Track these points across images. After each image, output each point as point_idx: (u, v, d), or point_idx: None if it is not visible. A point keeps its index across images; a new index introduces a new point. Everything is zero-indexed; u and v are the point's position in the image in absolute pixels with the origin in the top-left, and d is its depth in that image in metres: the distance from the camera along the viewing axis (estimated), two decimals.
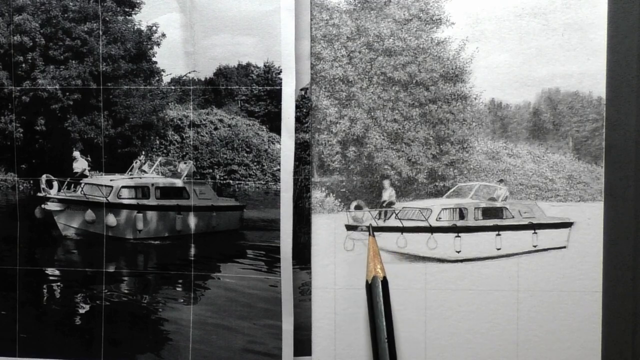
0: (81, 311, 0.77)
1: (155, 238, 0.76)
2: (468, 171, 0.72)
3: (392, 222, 0.73)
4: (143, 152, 0.76)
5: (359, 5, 0.72)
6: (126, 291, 0.76)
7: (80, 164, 0.77)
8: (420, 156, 0.73)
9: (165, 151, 0.76)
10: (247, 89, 0.74)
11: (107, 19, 0.75)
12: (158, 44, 0.74)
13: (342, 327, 0.73)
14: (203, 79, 0.74)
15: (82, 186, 0.77)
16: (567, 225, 0.71)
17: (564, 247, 0.71)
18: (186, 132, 0.75)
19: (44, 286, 0.77)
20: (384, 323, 0.63)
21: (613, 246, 0.70)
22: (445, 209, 0.72)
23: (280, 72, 0.72)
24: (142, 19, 0.74)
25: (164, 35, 0.74)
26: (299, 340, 0.73)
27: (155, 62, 0.75)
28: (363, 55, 0.72)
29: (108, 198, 0.76)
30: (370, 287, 0.65)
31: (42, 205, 0.77)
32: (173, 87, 0.74)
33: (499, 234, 0.72)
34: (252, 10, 0.71)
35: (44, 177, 0.77)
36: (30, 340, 0.77)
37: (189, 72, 0.74)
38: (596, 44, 0.69)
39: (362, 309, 0.72)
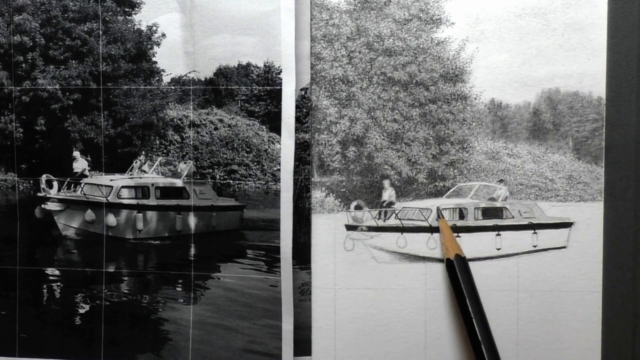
0: (81, 311, 0.77)
1: (155, 238, 0.76)
2: (468, 171, 0.72)
3: (392, 222, 0.73)
4: (143, 152, 0.76)
5: (359, 5, 0.72)
6: (126, 291, 0.76)
7: (80, 164, 0.77)
8: (420, 156, 0.73)
9: (165, 151, 0.76)
10: (247, 89, 0.74)
11: (107, 19, 0.75)
12: (158, 44, 0.74)
13: (342, 327, 0.73)
14: (203, 79, 0.74)
15: (82, 186, 0.77)
16: (567, 225, 0.71)
17: (564, 247, 0.71)
18: (186, 132, 0.75)
19: (44, 286, 0.77)
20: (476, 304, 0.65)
21: (613, 246, 0.70)
22: (445, 209, 0.72)
23: (280, 72, 0.72)
24: (142, 19, 0.74)
25: (164, 35, 0.74)
26: (299, 340, 0.73)
27: (155, 62, 0.75)
28: (363, 55, 0.72)
29: (108, 198, 0.76)
30: (452, 265, 0.67)
31: (42, 205, 0.77)
32: (173, 87, 0.74)
33: (498, 234, 0.72)
34: (252, 10, 0.72)
35: (44, 177, 0.77)
36: (30, 340, 0.77)
37: (189, 72, 0.74)
38: (596, 44, 0.69)
39: (362, 309, 0.73)
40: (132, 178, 0.76)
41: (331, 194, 0.73)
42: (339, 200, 0.73)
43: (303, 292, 0.73)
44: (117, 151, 0.76)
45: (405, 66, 0.72)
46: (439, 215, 0.71)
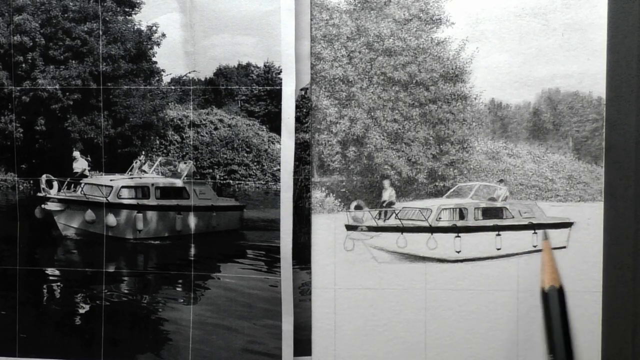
0: (81, 311, 0.77)
1: (155, 238, 0.76)
2: (468, 171, 0.72)
3: (392, 222, 0.73)
4: (143, 152, 0.76)
5: (359, 5, 0.72)
6: (126, 291, 0.76)
7: (80, 164, 0.77)
8: (420, 156, 0.73)
9: (165, 151, 0.76)
10: (247, 89, 0.74)
11: (107, 19, 0.75)
12: (158, 44, 0.74)
13: (342, 327, 0.73)
14: (203, 79, 0.74)
15: (82, 186, 0.77)
16: (567, 225, 0.71)
17: (564, 247, 0.71)
18: (186, 132, 0.75)
19: (44, 286, 0.77)
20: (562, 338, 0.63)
21: (613, 246, 0.70)
22: (445, 209, 0.72)
23: (280, 72, 0.72)
24: (142, 19, 0.74)
25: (164, 35, 0.74)
26: (299, 340, 0.73)
27: (155, 62, 0.75)
28: (363, 55, 0.72)
29: (108, 198, 0.76)
30: (547, 297, 0.64)
31: (42, 205, 0.77)
32: (173, 87, 0.74)
33: (499, 234, 0.72)
34: (252, 10, 0.72)
35: (44, 177, 0.77)
36: (30, 340, 0.77)
37: (189, 72, 0.74)
38: (596, 44, 0.69)
39: (362, 309, 0.72)
40: (132, 178, 0.76)
41: (331, 194, 0.73)
42: (339, 200, 0.73)
43: (303, 292, 0.73)
44: (117, 151, 0.76)
45: (405, 66, 0.72)
46: (545, 236, 0.69)
